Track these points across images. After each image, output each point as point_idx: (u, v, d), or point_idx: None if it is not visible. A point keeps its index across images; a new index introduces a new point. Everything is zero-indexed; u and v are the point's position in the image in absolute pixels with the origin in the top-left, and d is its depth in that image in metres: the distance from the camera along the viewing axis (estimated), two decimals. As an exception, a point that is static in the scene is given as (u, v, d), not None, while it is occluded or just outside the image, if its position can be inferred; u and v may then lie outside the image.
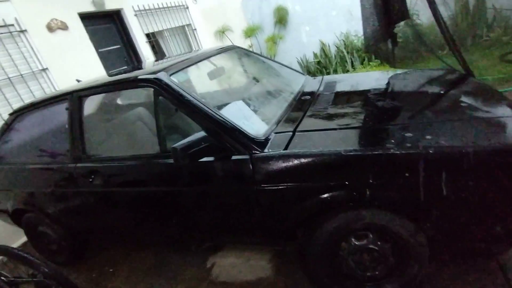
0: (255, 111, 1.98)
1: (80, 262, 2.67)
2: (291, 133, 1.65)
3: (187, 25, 6.65)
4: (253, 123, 1.77)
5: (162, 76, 1.78)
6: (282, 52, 6.79)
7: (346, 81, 2.51)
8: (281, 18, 6.53)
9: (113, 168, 1.98)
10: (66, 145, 2.14)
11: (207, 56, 2.29)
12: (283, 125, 1.78)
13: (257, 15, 6.84)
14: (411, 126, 1.52)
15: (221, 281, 2.10)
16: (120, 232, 2.37)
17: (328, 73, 6.12)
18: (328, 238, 1.55)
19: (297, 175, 1.48)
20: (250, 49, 4.46)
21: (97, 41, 4.63)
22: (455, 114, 1.58)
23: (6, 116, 2.72)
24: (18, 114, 2.45)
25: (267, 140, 1.62)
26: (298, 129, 1.69)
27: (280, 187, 1.52)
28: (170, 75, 1.82)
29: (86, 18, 4.49)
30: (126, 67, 4.97)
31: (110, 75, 2.57)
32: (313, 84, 2.45)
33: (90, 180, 2.02)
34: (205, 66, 2.31)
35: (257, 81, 2.61)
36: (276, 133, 1.69)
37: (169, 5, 6.10)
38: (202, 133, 1.57)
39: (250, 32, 6.67)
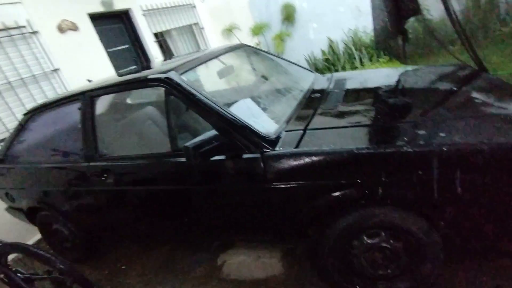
0: (265, 109, 1.98)
1: (93, 259, 2.71)
2: (301, 131, 1.65)
3: (195, 24, 6.68)
4: (263, 122, 1.77)
5: (173, 75, 1.79)
6: (289, 50, 6.76)
7: (356, 78, 2.49)
8: (288, 15, 6.50)
9: (124, 167, 2.01)
10: (79, 145, 2.17)
11: (216, 55, 2.29)
12: (293, 123, 1.78)
13: (264, 13, 6.82)
14: (424, 124, 1.51)
15: (231, 279, 2.11)
16: (132, 230, 2.40)
17: (336, 70, 6.07)
18: (339, 236, 1.55)
19: (309, 173, 1.48)
20: (258, 47, 4.45)
21: (106, 41, 4.68)
22: (469, 111, 1.56)
23: (20, 116, 2.78)
24: (32, 114, 2.50)
25: (278, 138, 1.62)
26: (309, 127, 1.68)
27: (291, 185, 1.52)
28: (181, 74, 1.83)
29: (95, 18, 4.54)
30: (135, 66, 5.01)
31: (119, 75, 2.60)
32: (322, 81, 2.44)
33: (103, 178, 2.05)
34: (214, 65, 2.32)
35: (266, 79, 2.61)
36: (286, 131, 1.69)
37: (176, 4, 6.12)
38: (213, 132, 1.58)
39: (257, 30, 6.65)
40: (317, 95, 2.15)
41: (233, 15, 6.91)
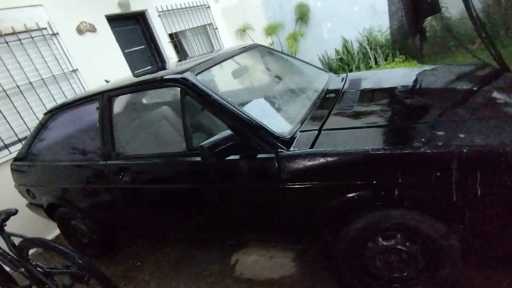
0: (279, 109, 1.98)
1: (109, 255, 2.78)
2: (316, 131, 1.64)
3: (209, 24, 6.73)
4: (278, 122, 1.78)
5: (189, 75, 1.81)
6: (303, 49, 6.73)
7: (371, 78, 2.46)
8: (302, 15, 6.47)
9: (141, 165, 2.05)
10: (96, 143, 2.23)
11: (230, 55, 2.31)
12: (308, 123, 1.77)
13: (278, 13, 6.81)
14: (442, 124, 1.48)
15: (245, 278, 2.12)
16: (147, 227, 2.44)
17: (351, 70, 6.01)
18: (354, 237, 1.53)
19: (324, 173, 1.48)
20: (271, 47, 4.45)
21: (123, 42, 4.78)
22: (490, 112, 1.51)
23: (40, 116, 2.87)
24: (52, 113, 2.57)
25: (292, 138, 1.62)
26: (324, 127, 1.67)
27: (305, 185, 1.51)
28: (196, 74, 1.85)
29: (112, 20, 4.64)
30: (150, 67, 5.10)
31: (136, 75, 2.65)
32: (337, 81, 2.42)
33: (120, 177, 2.09)
34: (229, 65, 2.33)
35: (281, 79, 2.61)
36: (301, 131, 1.68)
37: (191, 5, 6.19)
38: (228, 132, 1.59)
39: (271, 30, 6.65)
40: (332, 95, 2.14)
41: (247, 15, 6.93)
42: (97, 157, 2.22)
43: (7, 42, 3.37)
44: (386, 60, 5.85)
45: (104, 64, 4.29)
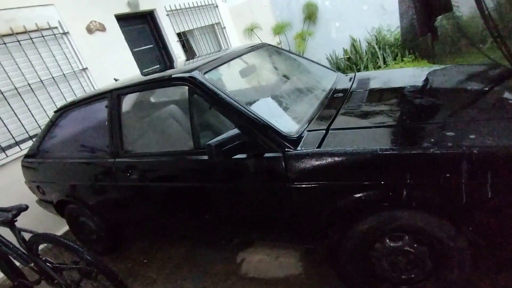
0: (287, 108, 1.98)
1: (117, 252, 2.81)
2: (324, 131, 1.64)
3: (217, 23, 6.75)
4: (285, 121, 1.77)
5: (197, 74, 1.82)
6: (311, 49, 6.70)
7: (380, 78, 2.43)
8: (310, 14, 6.44)
9: (149, 163, 2.07)
10: (105, 141, 2.25)
11: (238, 55, 2.31)
12: (315, 123, 1.76)
13: (286, 12, 6.79)
14: (452, 125, 1.46)
15: (250, 277, 2.13)
16: (154, 225, 2.46)
17: (359, 70, 5.97)
18: (361, 238, 1.53)
19: (331, 173, 1.47)
20: (279, 46, 4.44)
21: (132, 41, 4.82)
22: (502, 112, 1.49)
23: (51, 113, 2.91)
24: (62, 111, 2.61)
25: (300, 138, 1.61)
26: (332, 127, 1.67)
27: (313, 185, 1.51)
28: (204, 73, 1.86)
29: (121, 19, 4.69)
30: (158, 66, 5.13)
31: (144, 74, 2.67)
32: (345, 81, 2.41)
33: (128, 174, 2.11)
34: (237, 64, 2.34)
35: (288, 78, 2.60)
36: (309, 131, 1.68)
37: (199, 4, 6.21)
38: (235, 131, 1.59)
39: (279, 29, 6.63)
40: (340, 94, 2.12)
41: (255, 14, 6.92)
42: (106, 155, 2.25)
43: (18, 41, 3.43)
44: (395, 59, 5.79)
45: (113, 63, 4.33)
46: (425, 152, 1.30)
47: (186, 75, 1.83)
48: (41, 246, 2.04)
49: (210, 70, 1.93)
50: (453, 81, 2.09)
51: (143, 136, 2.38)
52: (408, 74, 2.46)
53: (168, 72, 2.17)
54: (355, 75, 2.51)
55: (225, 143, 1.53)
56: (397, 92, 2.04)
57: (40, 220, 3.13)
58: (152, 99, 2.78)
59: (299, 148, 1.55)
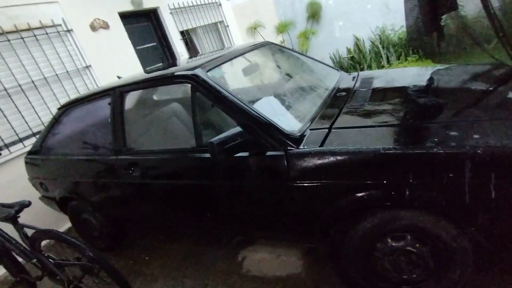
0: (290, 107, 1.98)
1: (119, 249, 2.82)
2: (327, 130, 1.63)
3: (220, 22, 6.74)
4: (288, 119, 1.77)
5: (199, 72, 1.82)
6: (314, 48, 6.68)
7: (383, 77, 2.42)
8: (314, 13, 6.42)
9: (151, 161, 2.07)
10: (108, 138, 2.26)
11: (241, 53, 2.31)
12: (318, 121, 1.76)
13: (289, 11, 6.78)
14: (456, 125, 1.45)
15: (251, 275, 2.13)
16: (156, 222, 2.47)
17: (362, 69, 5.94)
18: (362, 237, 1.52)
19: (333, 172, 1.46)
20: (282, 45, 4.42)
21: (135, 39, 4.83)
22: (506, 112, 1.47)
23: (54, 110, 2.93)
24: (65, 108, 2.62)
25: (302, 136, 1.61)
26: (334, 126, 1.66)
27: (314, 184, 1.51)
28: (207, 71, 1.86)
29: (125, 17, 4.69)
30: (161, 63, 5.14)
31: (147, 72, 2.67)
32: (348, 80, 2.40)
33: (130, 172, 2.12)
34: (240, 63, 2.33)
35: (291, 77, 2.59)
36: (311, 129, 1.67)
37: (202, 2, 6.21)
38: (238, 129, 1.59)
39: (282, 28, 6.62)
40: (343, 93, 2.12)
41: (258, 13, 6.91)
42: (108, 152, 2.25)
43: (22, 38, 3.44)
44: (398, 59, 5.76)
45: (117, 61, 4.34)
46: (428, 151, 1.29)
47: (189, 72, 1.83)
48: (43, 242, 2.05)
49: (212, 68, 1.93)
50: (457, 80, 2.08)
51: (146, 133, 2.39)
52: (411, 74, 2.44)
53: (171, 69, 2.17)
54: (358, 74, 2.49)
55: (227, 141, 1.52)
56: (401, 91, 2.03)
57: (43, 216, 3.15)
58: (155, 97, 2.78)
59: (301, 146, 1.54)
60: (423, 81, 2.11)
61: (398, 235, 1.48)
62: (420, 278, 1.52)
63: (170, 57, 5.50)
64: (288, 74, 2.64)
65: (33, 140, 3.17)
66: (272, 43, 2.73)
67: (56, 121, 2.68)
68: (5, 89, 3.23)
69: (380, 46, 5.90)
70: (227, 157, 1.55)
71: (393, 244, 1.49)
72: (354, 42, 6.39)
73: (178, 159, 1.96)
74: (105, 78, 3.96)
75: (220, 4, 6.72)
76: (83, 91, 3.81)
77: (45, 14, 3.70)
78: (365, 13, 6.14)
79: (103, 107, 2.29)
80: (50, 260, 1.97)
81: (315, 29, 6.60)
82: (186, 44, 5.83)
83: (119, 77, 2.82)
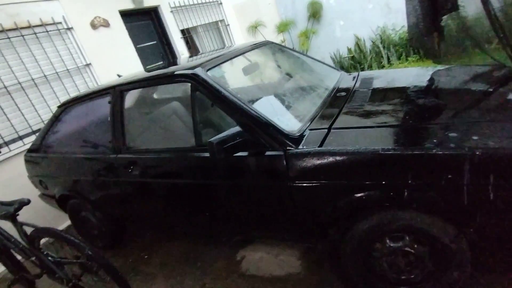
0: (289, 107, 1.98)
1: (118, 247, 2.82)
2: (326, 130, 1.63)
3: (221, 20, 6.73)
4: (287, 119, 1.77)
5: (199, 71, 1.82)
6: (315, 47, 6.67)
7: (384, 77, 2.42)
8: (315, 12, 6.41)
9: (150, 160, 2.07)
10: (107, 137, 2.26)
11: (241, 52, 2.31)
12: (318, 121, 1.76)
13: (290, 10, 6.77)
14: (455, 126, 1.45)
15: (250, 274, 2.13)
16: (155, 221, 2.47)
17: (363, 69, 5.94)
18: (361, 238, 1.52)
19: (332, 173, 1.46)
20: (283, 44, 4.41)
21: (136, 37, 4.82)
22: (506, 114, 1.47)
23: (54, 108, 2.92)
24: (65, 106, 2.62)
25: (301, 136, 1.61)
26: (334, 126, 1.66)
27: (313, 184, 1.51)
28: (207, 70, 1.86)
29: (125, 15, 4.69)
30: (162, 62, 5.13)
31: (147, 70, 2.67)
32: (348, 80, 2.39)
33: (129, 170, 2.12)
34: (240, 62, 2.33)
35: (291, 76, 2.59)
36: (310, 129, 1.67)
37: (203, 1, 6.20)
38: (237, 128, 1.59)
39: (283, 27, 6.61)
40: (343, 93, 2.11)
41: (259, 12, 6.90)
42: (108, 151, 2.26)
43: (23, 36, 3.44)
44: (399, 59, 5.76)
45: (117, 59, 4.34)
46: (427, 152, 1.29)
47: (189, 71, 1.83)
48: (42, 240, 2.05)
49: (212, 67, 1.93)
50: (457, 81, 2.08)
51: (145, 132, 2.38)
52: (412, 74, 2.44)
53: (171, 68, 2.17)
54: (358, 74, 2.49)
55: (226, 141, 1.52)
56: (400, 92, 2.03)
57: (42, 214, 3.15)
58: (155, 96, 2.78)
59: (300, 146, 1.55)
60: (423, 82, 2.11)
61: (396, 236, 1.48)
62: (418, 279, 1.52)
63: (170, 56, 5.50)
64: (288, 74, 2.64)
65: (33, 138, 3.17)
66: (272, 43, 2.72)
67: (56, 119, 2.68)
68: (5, 87, 3.23)
69: (381, 46, 5.89)
70: (226, 156, 1.55)
71: (392, 245, 1.49)
72: (355, 41, 6.38)
73: (177, 158, 1.96)
74: (106, 77, 3.96)
75: (221, 3, 6.71)
76: (83, 89, 3.80)
77: (46, 12, 3.69)
78: (366, 12, 6.13)
79: (103, 106, 2.28)
80: (49, 258, 1.97)
81: (315, 29, 6.59)
82: (187, 42, 5.83)
83: (119, 76, 2.82)
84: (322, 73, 2.60)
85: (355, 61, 6.21)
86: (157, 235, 2.87)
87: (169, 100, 2.56)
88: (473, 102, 1.69)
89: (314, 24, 6.60)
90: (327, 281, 1.90)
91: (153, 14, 5.31)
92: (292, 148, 1.54)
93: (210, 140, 1.51)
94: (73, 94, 3.52)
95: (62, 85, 3.74)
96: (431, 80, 2.12)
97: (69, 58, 3.88)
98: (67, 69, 3.81)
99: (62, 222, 3.41)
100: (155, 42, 5.36)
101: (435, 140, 1.36)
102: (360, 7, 6.14)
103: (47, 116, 3.34)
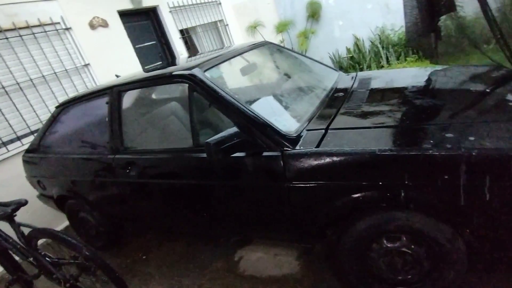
0: (287, 107, 1.98)
1: (116, 248, 2.82)
2: (323, 130, 1.63)
3: (220, 20, 6.73)
4: (285, 120, 1.77)
5: (197, 72, 1.82)
6: (314, 47, 6.68)
7: (382, 78, 2.42)
8: (314, 12, 6.41)
9: (148, 160, 2.07)
10: (105, 137, 2.26)
11: (239, 52, 2.31)
12: (315, 122, 1.76)
13: (289, 10, 6.77)
14: (452, 126, 1.45)
15: (248, 275, 2.13)
16: (153, 221, 2.47)
17: (362, 69, 5.94)
18: (358, 238, 1.53)
19: (329, 173, 1.47)
20: (282, 44, 4.41)
21: (134, 38, 4.82)
22: (503, 114, 1.47)
23: (52, 109, 2.92)
24: (64, 107, 2.62)
25: (298, 137, 1.61)
26: (331, 126, 1.66)
27: (311, 185, 1.51)
28: (205, 71, 1.86)
29: (124, 15, 4.68)
30: (160, 62, 5.13)
31: (146, 71, 2.67)
32: (346, 80, 2.40)
33: (127, 171, 2.12)
34: (238, 62, 2.33)
35: (289, 77, 2.59)
36: (308, 130, 1.67)
37: (202, 1, 6.19)
38: (234, 129, 1.59)
39: (282, 27, 6.61)
40: (341, 94, 2.12)
41: (258, 12, 6.90)
42: (106, 151, 2.25)
43: (21, 36, 3.43)
44: (398, 59, 5.76)
45: (116, 59, 4.34)
46: (424, 153, 1.29)
47: (186, 72, 1.83)
48: (40, 241, 2.04)
49: (210, 68, 1.93)
50: (455, 82, 2.08)
51: (143, 133, 2.38)
52: (409, 74, 2.44)
53: (169, 69, 2.17)
54: (356, 75, 2.50)
55: (223, 141, 1.53)
56: (398, 92, 2.03)
57: (40, 215, 3.15)
58: (154, 96, 2.78)
59: (297, 147, 1.55)
60: (420, 82, 2.11)
61: (393, 236, 1.49)
62: (415, 279, 1.52)
63: (169, 56, 5.49)
64: (286, 74, 2.64)
65: (31, 138, 3.17)
66: (271, 43, 2.72)
67: (54, 119, 2.68)
68: (3, 87, 3.22)
69: (379, 46, 5.89)
70: (224, 157, 1.55)
71: (389, 245, 1.50)
72: (353, 42, 6.38)
73: (175, 159, 1.96)
74: (104, 77, 3.96)
75: (220, 3, 6.71)
76: (81, 90, 3.80)
77: (44, 12, 3.69)
78: (365, 13, 6.13)
79: (101, 106, 2.28)
80: (47, 258, 1.97)
81: (314, 29, 6.60)
82: (186, 43, 5.82)
83: (117, 76, 2.81)
84: (320, 74, 2.60)
85: (354, 61, 6.22)
86: (155, 236, 2.86)
87: (167, 101, 2.56)
88: (470, 103, 1.70)
89: (313, 24, 6.60)
90: (324, 281, 1.90)
91: (152, 14, 5.31)
92: (289, 149, 1.54)
93: (207, 140, 1.51)
94: (72, 94, 3.52)
95: (60, 85, 3.74)
96: (429, 80, 2.12)
97: (68, 58, 3.88)
98: (66, 70, 3.81)
99: (60, 222, 3.41)
100: (154, 42, 5.36)
101: (431, 141, 1.36)
102: (359, 7, 6.14)
103: (45, 116, 3.34)
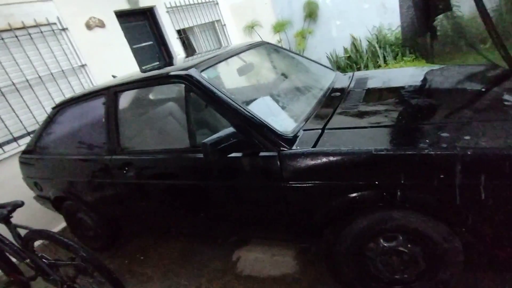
0: (283, 107, 1.98)
1: (114, 249, 2.81)
2: (320, 130, 1.63)
3: (217, 21, 6.73)
4: (281, 120, 1.77)
5: (193, 72, 1.81)
6: (311, 47, 6.68)
7: (378, 78, 2.43)
8: (311, 12, 6.42)
9: (145, 161, 2.06)
10: (102, 138, 2.25)
11: (236, 53, 2.30)
12: (312, 122, 1.76)
13: (286, 10, 6.77)
14: (448, 126, 1.46)
15: (245, 275, 2.13)
16: (150, 222, 2.47)
17: (359, 69, 5.95)
18: (355, 238, 1.53)
19: (326, 173, 1.47)
20: (279, 44, 4.41)
21: (131, 38, 4.81)
22: (498, 114, 1.48)
23: (49, 110, 2.91)
24: (60, 107, 2.61)
25: (295, 137, 1.61)
26: (328, 126, 1.67)
27: (307, 185, 1.51)
28: (201, 71, 1.85)
29: (121, 15, 4.67)
30: (158, 63, 5.12)
31: (143, 71, 2.66)
32: (343, 80, 2.40)
33: (124, 171, 2.11)
34: (235, 62, 2.33)
35: (286, 77, 2.60)
36: (304, 130, 1.68)
37: (199, 1, 6.19)
38: (231, 129, 1.59)
39: (279, 27, 6.61)
40: (337, 94, 2.12)
41: (255, 12, 6.90)
42: (103, 152, 2.25)
43: (17, 37, 3.42)
44: (395, 59, 5.78)
45: (112, 60, 4.32)
46: (420, 153, 1.30)
47: (183, 72, 1.83)
48: (37, 243, 2.04)
49: (207, 68, 1.93)
50: (451, 81, 2.09)
51: (140, 133, 2.38)
52: (406, 74, 2.45)
53: (165, 69, 2.17)
54: (353, 74, 2.50)
55: (220, 142, 1.52)
56: (394, 92, 2.04)
57: (37, 216, 3.14)
58: (151, 96, 2.78)
59: (294, 147, 1.55)
60: (416, 82, 2.12)
61: (390, 236, 1.49)
62: (412, 278, 1.53)
63: (166, 56, 5.48)
64: (283, 74, 2.64)
65: (27, 139, 3.15)
66: (268, 43, 2.73)
67: (50, 120, 2.67)
68: (-1, 88, 3.21)
69: (377, 45, 5.91)
70: (220, 157, 1.55)
71: (385, 244, 1.50)
72: (351, 41, 6.39)
73: (172, 159, 1.96)
74: (101, 77, 3.94)
75: (217, 3, 6.70)
76: (78, 90, 3.79)
77: (40, 13, 3.67)
78: (362, 12, 6.14)
79: (98, 107, 2.28)
80: (44, 260, 1.96)
81: (312, 29, 6.60)
82: (183, 43, 5.81)
83: (114, 76, 2.81)
84: (317, 73, 2.60)
85: (351, 61, 6.23)
86: (152, 236, 2.86)
87: (164, 101, 2.56)
88: (466, 102, 1.70)
89: (310, 24, 6.61)
90: (322, 281, 1.90)
91: (148, 14, 5.30)
92: (286, 149, 1.55)
93: (203, 141, 1.51)
94: (68, 95, 3.51)
95: (57, 86, 3.72)
96: (425, 80, 2.13)
97: (64, 59, 3.86)
98: (62, 70, 3.80)
99: (58, 224, 3.40)
100: (151, 42, 5.34)
101: (427, 140, 1.36)
102: (356, 7, 6.15)
103: (41, 117, 3.32)
